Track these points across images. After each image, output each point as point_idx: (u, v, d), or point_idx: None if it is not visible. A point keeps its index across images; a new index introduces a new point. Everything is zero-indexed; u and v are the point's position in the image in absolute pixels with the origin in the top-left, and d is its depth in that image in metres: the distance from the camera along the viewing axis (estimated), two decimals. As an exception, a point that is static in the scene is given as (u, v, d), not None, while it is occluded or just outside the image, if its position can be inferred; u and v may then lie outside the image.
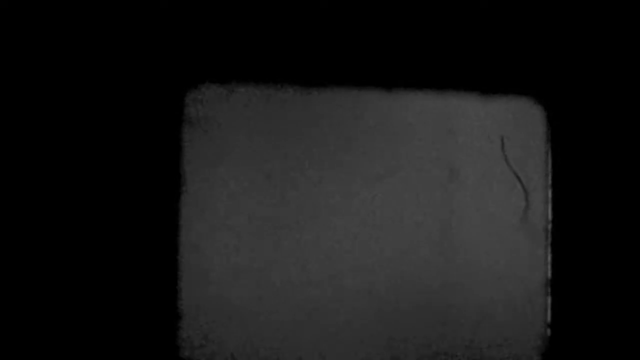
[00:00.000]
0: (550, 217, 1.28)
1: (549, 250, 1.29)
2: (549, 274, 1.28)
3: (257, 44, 1.28)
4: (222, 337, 1.25)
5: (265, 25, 1.29)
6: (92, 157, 1.24)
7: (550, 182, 1.29)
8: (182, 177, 1.24)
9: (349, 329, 1.27)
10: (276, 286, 1.26)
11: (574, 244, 1.28)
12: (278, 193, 1.27)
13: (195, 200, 1.25)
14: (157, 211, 1.24)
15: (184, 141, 1.24)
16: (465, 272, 1.30)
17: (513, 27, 1.27)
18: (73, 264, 1.22)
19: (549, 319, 1.28)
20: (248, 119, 1.29)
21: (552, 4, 1.28)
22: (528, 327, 1.31)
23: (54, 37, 1.25)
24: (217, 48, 1.29)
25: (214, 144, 1.27)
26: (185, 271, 1.22)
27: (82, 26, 1.26)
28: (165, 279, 1.23)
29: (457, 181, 1.32)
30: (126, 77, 1.25)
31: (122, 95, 1.25)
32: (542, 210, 1.28)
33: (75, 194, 1.23)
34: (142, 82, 1.25)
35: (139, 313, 1.22)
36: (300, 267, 1.27)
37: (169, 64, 1.27)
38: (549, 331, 1.28)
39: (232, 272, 1.25)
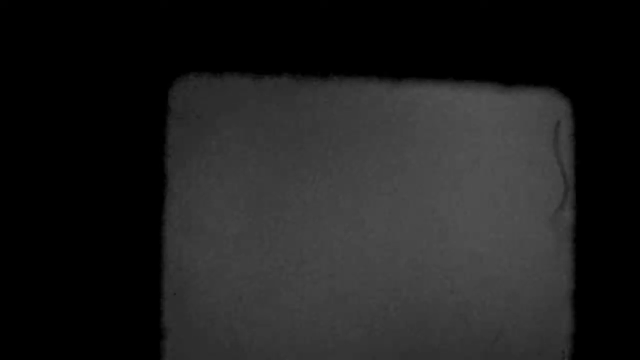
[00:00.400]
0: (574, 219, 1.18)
1: (574, 256, 1.19)
2: (573, 283, 1.18)
3: (250, 29, 1.18)
4: (207, 356, 1.15)
5: (258, 7, 1.19)
6: (65, 157, 1.15)
7: (574, 181, 1.19)
8: (165, 178, 1.16)
9: (347, 348, 1.17)
10: (268, 302, 1.16)
11: (600, 249, 1.18)
12: (271, 195, 1.17)
13: (180, 203, 1.15)
14: (139, 216, 1.15)
15: (168, 137, 1.14)
16: (481, 280, 1.20)
17: (535, 10, 1.16)
18: (46, 276, 1.14)
19: (572, 333, 1.18)
20: (239, 113, 1.19)
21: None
22: (550, 342, 1.21)
23: (29, 27, 1.18)
24: (206, 34, 1.19)
25: (200, 140, 1.17)
26: (169, 283, 1.13)
27: (55, 15, 1.17)
28: (147, 290, 1.14)
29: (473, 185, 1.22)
30: (104, 68, 1.16)
31: (100, 88, 1.16)
32: (568, 212, 1.18)
33: (46, 199, 1.15)
34: (122, 73, 1.16)
35: (121, 330, 1.14)
36: (294, 281, 1.17)
37: (151, 52, 1.17)
38: (572, 348, 1.19)
39: (219, 284, 1.15)
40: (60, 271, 1.13)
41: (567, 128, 1.19)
